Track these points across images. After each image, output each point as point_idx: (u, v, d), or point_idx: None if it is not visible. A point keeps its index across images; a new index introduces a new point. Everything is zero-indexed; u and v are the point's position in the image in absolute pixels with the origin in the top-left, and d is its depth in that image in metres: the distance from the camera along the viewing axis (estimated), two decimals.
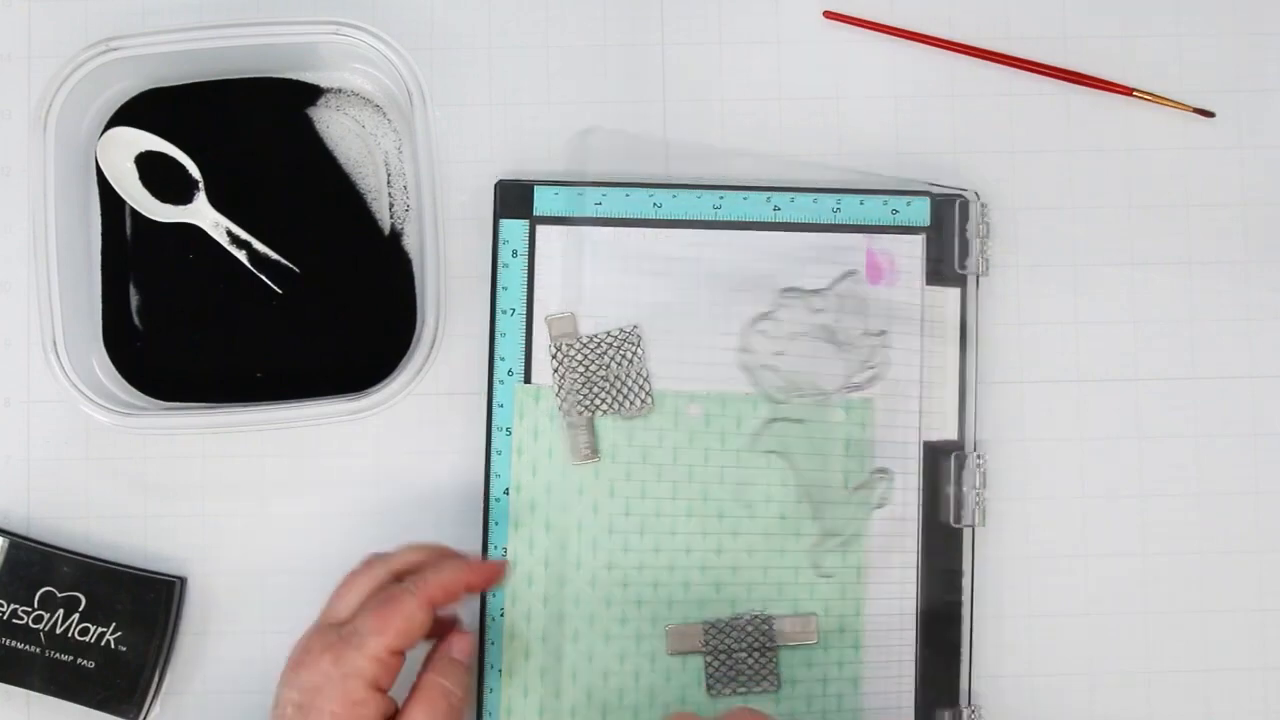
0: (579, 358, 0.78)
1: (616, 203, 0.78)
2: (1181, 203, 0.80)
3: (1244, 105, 0.80)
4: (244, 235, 0.78)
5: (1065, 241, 0.80)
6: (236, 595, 0.78)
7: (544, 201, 0.78)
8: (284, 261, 0.79)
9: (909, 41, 0.80)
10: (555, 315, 0.78)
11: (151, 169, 0.78)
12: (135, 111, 0.79)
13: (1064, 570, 0.78)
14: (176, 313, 0.79)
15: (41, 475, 0.79)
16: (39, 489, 0.79)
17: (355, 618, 0.69)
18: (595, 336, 0.78)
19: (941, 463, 0.77)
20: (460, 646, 0.71)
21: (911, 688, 0.77)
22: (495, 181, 0.78)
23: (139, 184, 0.78)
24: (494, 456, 0.77)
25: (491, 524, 0.77)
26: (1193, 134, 0.80)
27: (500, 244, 0.78)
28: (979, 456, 0.77)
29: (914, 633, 0.77)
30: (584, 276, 0.78)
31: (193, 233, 0.79)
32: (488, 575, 0.74)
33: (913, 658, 0.77)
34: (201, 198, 0.79)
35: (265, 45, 0.77)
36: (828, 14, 0.81)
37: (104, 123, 0.79)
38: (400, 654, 0.69)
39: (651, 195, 0.78)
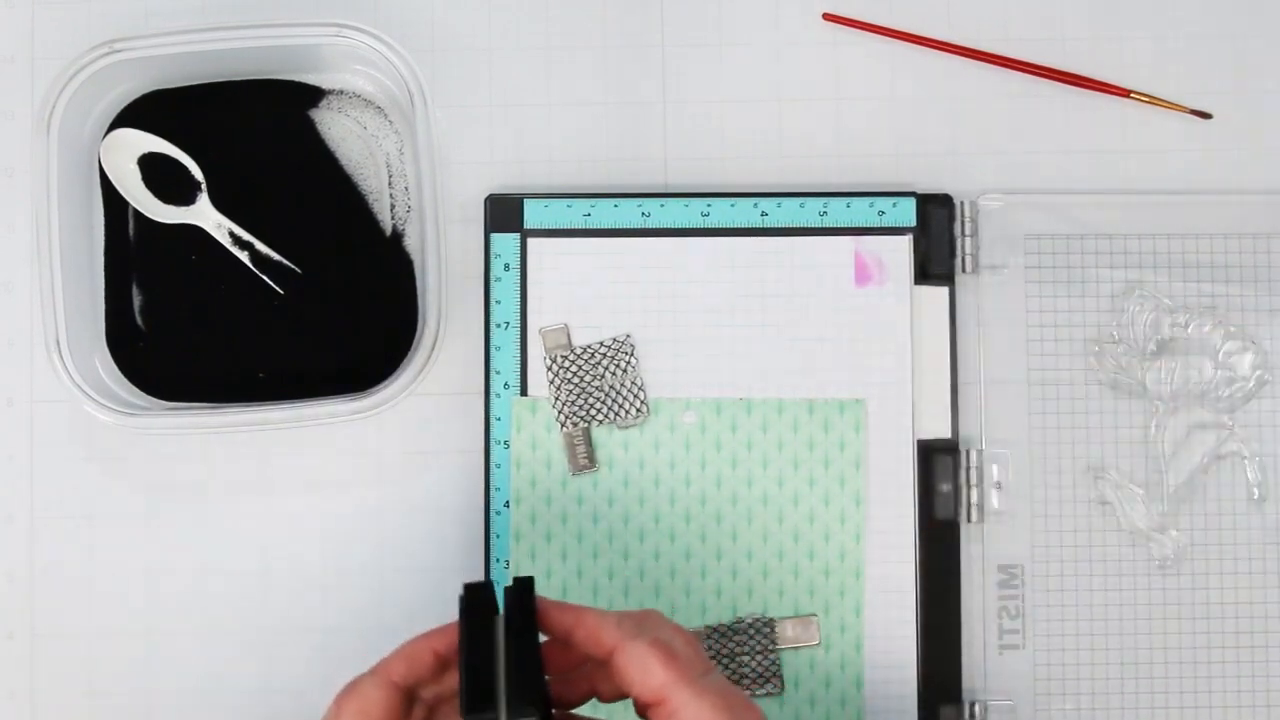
0: (573, 369, 0.78)
1: (605, 213, 0.79)
2: (1179, 204, 0.80)
3: (1241, 107, 0.80)
4: (246, 236, 0.79)
5: (1062, 243, 0.80)
6: (236, 595, 0.79)
7: (534, 214, 0.78)
8: (286, 262, 0.79)
9: (908, 43, 0.81)
10: (548, 327, 0.78)
11: (154, 170, 0.79)
12: (138, 113, 0.79)
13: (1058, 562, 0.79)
14: (179, 313, 0.79)
15: (44, 475, 0.79)
16: (41, 489, 0.79)
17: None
18: (589, 347, 0.78)
19: (935, 461, 0.78)
20: None
21: (914, 685, 0.77)
22: (485, 196, 0.79)
23: (142, 185, 0.79)
24: (493, 470, 0.77)
25: (493, 537, 0.77)
26: (1190, 135, 0.80)
27: (492, 258, 0.78)
28: (972, 454, 0.78)
29: (914, 630, 0.77)
30: (576, 287, 0.78)
31: (195, 234, 0.79)
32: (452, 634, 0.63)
33: (914, 655, 0.77)
34: (204, 199, 0.79)
35: (267, 47, 0.77)
36: (827, 16, 0.81)
37: (107, 124, 0.79)
38: None
39: (640, 205, 0.78)
